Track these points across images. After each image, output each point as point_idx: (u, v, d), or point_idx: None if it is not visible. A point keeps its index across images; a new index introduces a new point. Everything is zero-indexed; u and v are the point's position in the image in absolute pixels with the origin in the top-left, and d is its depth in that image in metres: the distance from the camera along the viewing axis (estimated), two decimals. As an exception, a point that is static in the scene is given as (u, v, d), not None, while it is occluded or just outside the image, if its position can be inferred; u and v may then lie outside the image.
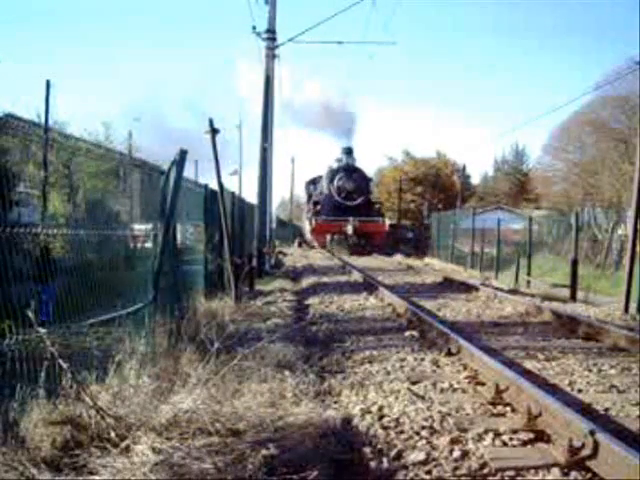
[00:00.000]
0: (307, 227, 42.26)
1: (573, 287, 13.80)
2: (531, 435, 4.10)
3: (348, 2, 20.54)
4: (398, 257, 31.31)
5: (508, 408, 4.70)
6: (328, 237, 35.81)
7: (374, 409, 4.64)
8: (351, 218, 34.79)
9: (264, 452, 3.35)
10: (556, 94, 78.74)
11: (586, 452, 3.58)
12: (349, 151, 40.05)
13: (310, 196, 44.12)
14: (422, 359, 6.39)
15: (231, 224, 11.47)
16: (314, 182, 44.92)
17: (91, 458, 3.27)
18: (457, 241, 28.49)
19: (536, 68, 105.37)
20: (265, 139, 20.13)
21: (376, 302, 11.11)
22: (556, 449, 3.85)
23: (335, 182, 37.63)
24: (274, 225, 33.84)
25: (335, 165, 39.98)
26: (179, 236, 8.09)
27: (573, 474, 3.53)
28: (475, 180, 63.86)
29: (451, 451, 3.81)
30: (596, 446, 3.53)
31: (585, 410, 4.63)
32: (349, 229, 34.70)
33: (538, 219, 23.89)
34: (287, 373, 5.24)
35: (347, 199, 37.23)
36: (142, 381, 4.12)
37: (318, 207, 38.24)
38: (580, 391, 5.32)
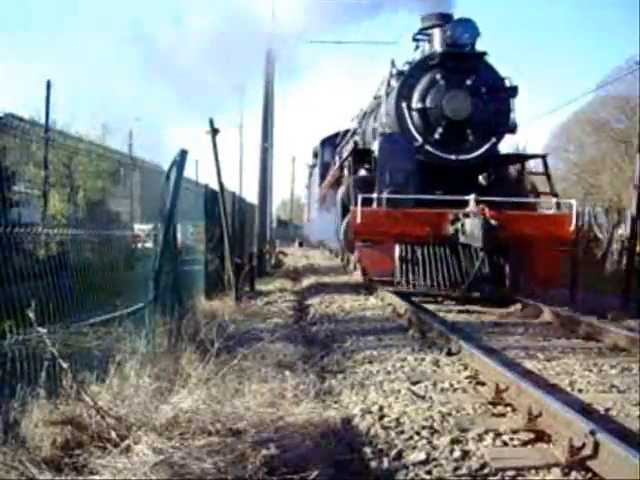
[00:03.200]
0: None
1: (573, 287, 13.79)
2: (531, 435, 4.10)
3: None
4: None
5: (508, 408, 4.70)
6: (397, 251, 10.63)
7: (374, 409, 4.64)
8: (472, 197, 10.63)
9: (264, 452, 3.34)
10: (556, 94, 78.69)
11: (586, 452, 3.58)
12: (445, 19, 12.18)
13: (326, 167, 21.00)
14: (422, 359, 6.39)
15: (231, 224, 11.47)
16: (332, 142, 20.80)
17: (91, 458, 3.27)
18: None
19: (536, 67, 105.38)
20: (265, 139, 20.13)
21: (376, 302, 11.10)
22: (556, 449, 3.85)
23: (415, 98, 11.70)
24: (274, 225, 33.60)
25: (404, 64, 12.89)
26: (179, 236, 8.10)
27: (573, 474, 3.53)
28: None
29: (451, 451, 3.81)
30: (596, 446, 3.53)
31: (585, 410, 4.63)
32: (472, 231, 10.22)
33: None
34: (287, 373, 5.24)
35: (449, 146, 11.60)
36: (142, 381, 4.12)
37: (363, 171, 12.76)
38: (580, 391, 5.32)
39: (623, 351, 7.01)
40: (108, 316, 5.05)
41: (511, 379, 4.89)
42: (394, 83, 12.62)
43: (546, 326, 8.80)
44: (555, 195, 11.92)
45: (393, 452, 3.82)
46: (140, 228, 8.68)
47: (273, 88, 20.86)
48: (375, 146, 12.25)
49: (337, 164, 16.96)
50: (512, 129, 12.08)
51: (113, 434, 3.46)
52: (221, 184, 10.18)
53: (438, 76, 11.57)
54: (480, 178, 12.42)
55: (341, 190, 12.92)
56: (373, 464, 3.68)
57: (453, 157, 11.61)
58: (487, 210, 10.28)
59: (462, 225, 10.37)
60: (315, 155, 25.83)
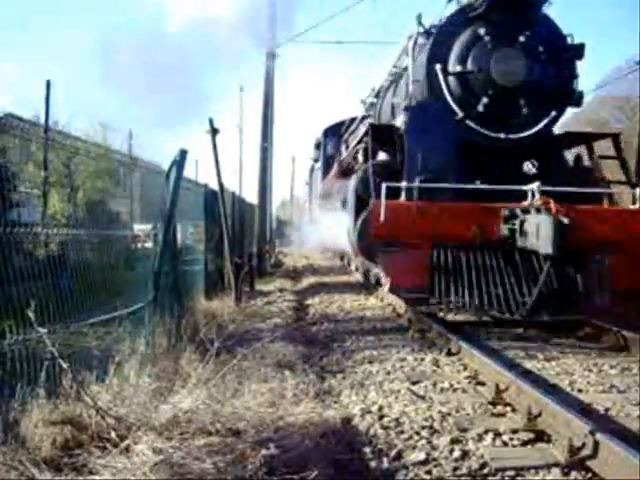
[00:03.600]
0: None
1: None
2: (531, 435, 4.10)
3: (348, 2, 20.29)
4: None
5: (508, 408, 4.70)
6: (433, 259, 7.93)
7: (374, 409, 4.64)
8: (536, 187, 8.10)
9: (264, 452, 3.34)
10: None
11: (586, 452, 3.58)
12: None
13: (329, 160, 18.67)
14: (422, 359, 6.39)
15: (231, 224, 11.48)
16: (337, 132, 18.75)
17: (91, 458, 3.27)
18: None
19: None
20: (265, 139, 20.14)
21: (376, 302, 11.10)
22: (556, 449, 3.85)
23: (453, 59, 8.96)
24: (274, 225, 33.54)
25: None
26: (179, 236, 8.10)
27: (573, 474, 3.53)
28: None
29: (451, 451, 3.81)
30: (596, 446, 3.53)
31: (585, 410, 4.63)
32: (537, 232, 7.56)
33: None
34: (287, 373, 5.24)
35: (497, 121, 8.88)
36: (142, 381, 4.12)
37: (383, 155, 10.02)
38: (580, 391, 5.32)
39: (623, 350, 7.00)
40: (108, 316, 5.05)
41: (511, 379, 4.89)
42: (422, 44, 9.73)
43: (546, 325, 8.58)
44: (634, 185, 8.82)
45: (393, 452, 3.82)
46: (139, 228, 8.68)
47: (273, 87, 20.86)
48: (401, 120, 9.41)
49: (344, 153, 14.37)
50: (577, 100, 9.23)
51: (113, 434, 3.46)
52: (221, 184, 10.18)
53: (482, 31, 8.85)
54: (525, 165, 9.76)
55: (354, 180, 10.00)
56: (373, 464, 3.68)
57: (502, 135, 8.88)
58: (554, 204, 7.68)
59: (521, 224, 7.82)
60: (317, 147, 22.17)
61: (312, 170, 25.52)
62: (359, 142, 10.73)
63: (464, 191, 8.37)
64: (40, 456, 3.26)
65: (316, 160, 22.96)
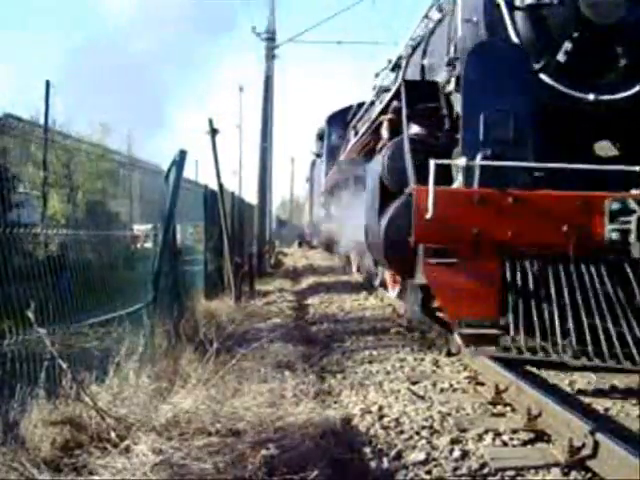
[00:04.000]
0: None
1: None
2: (531, 435, 4.10)
3: (348, 2, 20.24)
4: None
5: (508, 408, 4.70)
6: (506, 275, 5.44)
7: (374, 409, 4.65)
8: None
9: (264, 452, 3.34)
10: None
11: (586, 452, 3.58)
12: None
13: (334, 151, 16.22)
14: (422, 359, 6.39)
15: (231, 224, 11.48)
16: (343, 119, 16.14)
17: (91, 458, 3.27)
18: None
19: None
20: (264, 139, 20.15)
21: (376, 302, 11.10)
22: (556, 449, 3.85)
23: None
24: (274, 225, 33.54)
25: None
26: (179, 236, 8.10)
27: (573, 474, 3.53)
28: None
29: (451, 451, 3.81)
30: (596, 446, 3.53)
31: (585, 410, 4.63)
32: None
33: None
34: (287, 373, 5.25)
35: (583, 77, 6.19)
36: (142, 381, 4.12)
37: (415, 128, 6.88)
38: (580, 391, 5.31)
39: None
40: (107, 316, 5.05)
41: (511, 379, 4.89)
42: None
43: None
44: None
45: (393, 452, 3.82)
46: (139, 228, 8.68)
47: (273, 88, 20.87)
48: (445, 76, 6.90)
49: (353, 140, 11.30)
50: None
51: (113, 434, 3.45)
52: (220, 185, 10.19)
53: None
54: (596, 146, 6.69)
55: (376, 163, 7.46)
56: (373, 464, 3.68)
57: (591, 97, 6.25)
58: None
59: (638, 223, 5.31)
60: (320, 137, 18.97)
61: (314, 165, 22.67)
62: (383, 112, 8.08)
63: (539, 173, 6.00)
64: (40, 456, 3.25)
65: (318, 155, 20.43)
